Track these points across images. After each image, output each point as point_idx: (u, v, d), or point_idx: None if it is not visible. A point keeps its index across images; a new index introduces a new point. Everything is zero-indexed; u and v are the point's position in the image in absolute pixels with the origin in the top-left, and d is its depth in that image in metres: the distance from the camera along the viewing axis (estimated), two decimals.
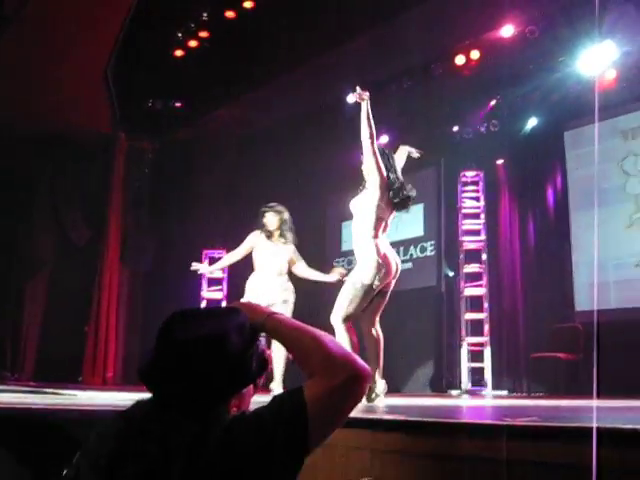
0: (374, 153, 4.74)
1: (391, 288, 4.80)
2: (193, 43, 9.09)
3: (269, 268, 6.39)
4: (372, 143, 4.76)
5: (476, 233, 9.93)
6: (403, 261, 10.59)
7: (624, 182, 8.68)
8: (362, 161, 4.96)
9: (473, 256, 9.88)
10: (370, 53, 8.99)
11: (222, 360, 1.62)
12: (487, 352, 9.38)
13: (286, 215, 6.59)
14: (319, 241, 11.78)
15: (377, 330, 4.84)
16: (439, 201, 10.46)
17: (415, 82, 9.56)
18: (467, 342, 9.49)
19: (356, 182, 11.34)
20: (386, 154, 4.95)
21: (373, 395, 4.65)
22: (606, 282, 8.34)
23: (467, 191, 10.10)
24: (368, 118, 4.78)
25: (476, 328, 9.53)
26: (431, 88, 9.28)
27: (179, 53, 9.25)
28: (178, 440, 1.54)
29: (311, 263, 11.38)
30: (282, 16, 8.19)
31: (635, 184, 8.62)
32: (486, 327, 9.49)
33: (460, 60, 8.99)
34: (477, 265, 9.80)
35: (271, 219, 6.49)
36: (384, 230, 4.82)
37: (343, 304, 4.57)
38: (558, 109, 9.14)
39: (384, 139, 10.71)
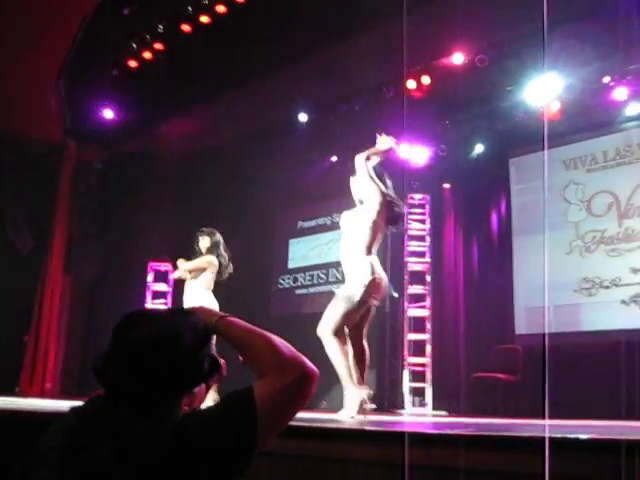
0: (371, 178, 4.90)
1: (376, 304, 4.85)
2: (147, 55, 9.06)
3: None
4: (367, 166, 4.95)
5: (421, 255, 10.07)
6: None
7: (565, 210, 8.96)
8: (353, 179, 5.13)
9: (417, 277, 10.02)
10: (322, 73, 9.09)
11: (175, 359, 1.66)
12: (428, 372, 9.50)
13: (217, 237, 6.95)
14: (265, 258, 11.82)
15: (364, 343, 4.93)
16: None
17: (366, 104, 9.70)
18: (409, 362, 9.59)
19: (301, 200, 11.45)
20: (382, 172, 5.10)
21: (367, 408, 4.80)
22: (556, 306, 8.58)
23: (413, 213, 10.25)
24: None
25: (418, 349, 9.65)
26: (382, 110, 9.41)
27: (133, 64, 9.21)
28: (129, 437, 1.57)
29: (257, 280, 11.47)
30: (236, 33, 8.23)
31: (575, 212, 8.90)
32: (428, 348, 9.61)
33: (411, 84, 9.16)
34: (421, 287, 9.94)
35: (202, 242, 7.00)
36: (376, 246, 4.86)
37: (335, 317, 4.64)
38: (504, 137, 9.40)
39: (333, 159, 10.86)
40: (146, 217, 11.42)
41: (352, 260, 4.77)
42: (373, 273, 4.65)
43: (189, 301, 6.84)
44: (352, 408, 4.74)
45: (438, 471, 2.56)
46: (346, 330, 4.81)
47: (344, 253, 4.87)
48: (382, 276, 4.76)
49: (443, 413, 9.07)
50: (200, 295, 6.85)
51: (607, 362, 7.81)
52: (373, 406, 4.92)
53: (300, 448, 3.05)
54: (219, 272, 7.01)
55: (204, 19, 8.35)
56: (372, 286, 4.64)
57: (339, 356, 4.69)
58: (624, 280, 8.37)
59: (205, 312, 1.83)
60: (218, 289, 11.06)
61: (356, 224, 4.83)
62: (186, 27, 8.56)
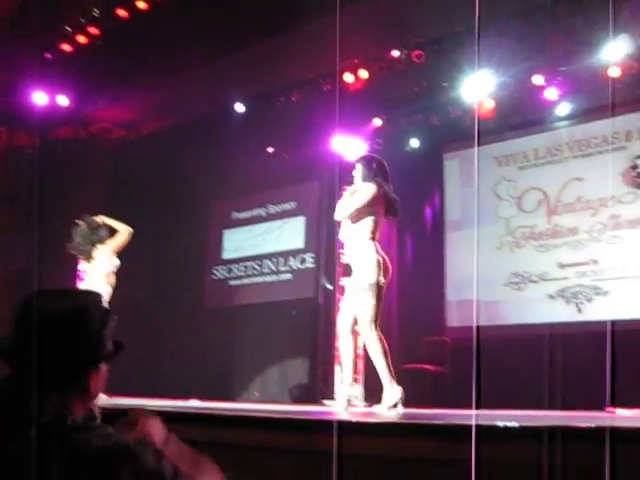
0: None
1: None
2: (82, 39, 8.85)
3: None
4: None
5: None
6: (282, 272, 10.71)
7: (496, 205, 9.14)
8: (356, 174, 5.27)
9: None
10: (260, 64, 9.04)
11: (81, 335, 1.70)
12: (360, 364, 9.57)
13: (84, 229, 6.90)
14: (199, 249, 11.74)
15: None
16: (320, 214, 10.62)
17: (304, 96, 9.70)
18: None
19: (237, 191, 11.37)
20: (383, 167, 5.33)
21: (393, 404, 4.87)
22: (486, 301, 8.76)
23: None
24: None
25: None
26: (319, 103, 9.42)
27: (67, 48, 8.99)
28: (22, 420, 1.58)
29: (190, 271, 11.39)
30: (175, 20, 8.12)
31: (506, 208, 9.10)
32: (360, 340, 9.68)
33: (349, 78, 9.18)
34: None
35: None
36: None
37: (369, 312, 4.86)
38: (439, 133, 9.53)
39: (270, 150, 10.83)
40: (79, 205, 11.19)
41: (357, 248, 5.03)
42: (378, 255, 4.93)
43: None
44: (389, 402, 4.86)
45: (369, 460, 2.59)
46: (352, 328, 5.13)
47: (349, 243, 5.15)
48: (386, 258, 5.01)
49: (365, 404, 9.18)
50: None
51: (533, 355, 8.01)
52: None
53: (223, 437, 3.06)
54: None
55: (141, 4, 8.19)
56: (379, 267, 4.91)
57: (383, 352, 4.92)
58: (551, 275, 8.60)
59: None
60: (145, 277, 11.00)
61: (359, 214, 5.06)
62: (122, 12, 8.39)
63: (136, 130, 11.30)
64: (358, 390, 5.12)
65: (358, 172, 5.28)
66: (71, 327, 1.68)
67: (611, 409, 5.19)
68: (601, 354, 7.62)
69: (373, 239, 5.02)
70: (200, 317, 11.20)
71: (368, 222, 5.07)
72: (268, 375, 10.52)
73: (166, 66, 8.88)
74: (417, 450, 2.38)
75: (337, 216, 5.28)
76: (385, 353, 4.95)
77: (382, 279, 4.92)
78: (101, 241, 6.90)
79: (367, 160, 5.35)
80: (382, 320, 9.72)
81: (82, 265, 7.03)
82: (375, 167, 5.27)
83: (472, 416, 2.40)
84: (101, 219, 7.01)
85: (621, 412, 5.30)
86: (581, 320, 8.27)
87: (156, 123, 10.92)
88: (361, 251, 4.99)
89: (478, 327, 8.61)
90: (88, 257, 6.89)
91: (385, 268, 4.97)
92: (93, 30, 8.77)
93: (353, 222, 5.14)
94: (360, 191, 5.16)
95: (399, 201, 5.33)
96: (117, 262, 6.95)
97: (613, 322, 6.87)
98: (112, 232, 7.03)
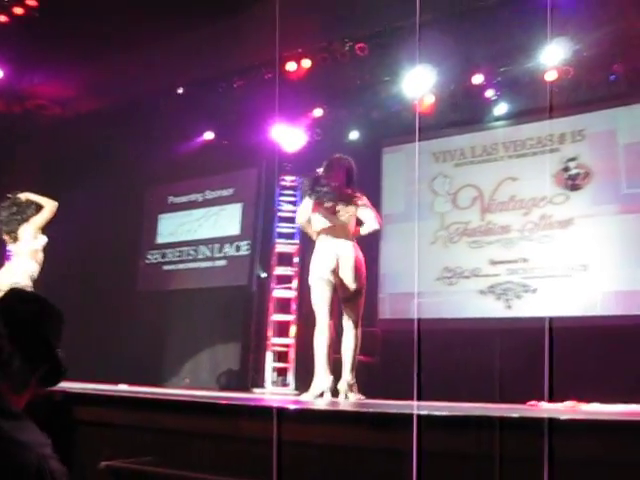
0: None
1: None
2: (19, 10, 8.61)
3: None
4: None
5: (290, 236, 10.18)
6: (217, 258, 10.66)
7: (432, 200, 9.28)
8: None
9: (285, 259, 10.12)
10: (203, 48, 8.96)
11: (46, 334, 1.79)
12: (292, 353, 9.64)
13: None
14: (134, 233, 11.58)
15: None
16: (258, 202, 10.60)
17: (246, 82, 9.64)
18: (273, 343, 9.70)
19: (174, 175, 11.24)
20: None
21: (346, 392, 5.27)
22: (410, 294, 8.85)
23: (285, 194, 10.33)
24: None
25: (283, 329, 9.77)
26: (261, 90, 9.39)
27: (2, 18, 8.72)
28: None
29: (124, 254, 11.23)
30: None
31: (442, 203, 9.24)
32: (293, 329, 9.75)
33: (291, 66, 9.17)
34: (289, 268, 10.05)
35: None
36: None
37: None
38: (379, 126, 9.61)
39: (209, 136, 10.75)
40: (9, 182, 10.90)
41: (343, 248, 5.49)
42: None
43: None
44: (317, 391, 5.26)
45: (304, 447, 2.61)
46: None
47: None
48: None
49: (294, 392, 9.24)
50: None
51: (464, 348, 8.18)
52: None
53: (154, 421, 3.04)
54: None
55: None
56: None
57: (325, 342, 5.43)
58: (483, 271, 8.77)
59: None
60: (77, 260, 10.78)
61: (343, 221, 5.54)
62: None
63: (73, 108, 11.04)
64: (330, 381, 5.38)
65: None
66: (43, 326, 1.77)
67: (533, 403, 5.32)
68: (529, 349, 7.84)
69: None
70: (132, 301, 11.06)
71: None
72: (199, 361, 10.46)
73: (107, 45, 8.72)
74: (355, 438, 2.41)
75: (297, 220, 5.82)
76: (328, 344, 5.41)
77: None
78: (26, 219, 6.69)
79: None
80: (311, 312, 9.85)
81: (9, 245, 6.82)
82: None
83: (408, 406, 2.44)
84: (25, 196, 6.79)
85: (544, 405, 5.45)
86: (510, 316, 8.46)
87: (94, 102, 10.69)
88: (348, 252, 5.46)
89: (408, 320, 8.74)
90: (14, 237, 6.69)
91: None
92: (30, 1, 8.53)
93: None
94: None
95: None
96: (44, 239, 6.76)
97: (542, 318, 7.04)
98: (38, 209, 6.82)
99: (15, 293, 1.84)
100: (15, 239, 6.64)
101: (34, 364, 1.75)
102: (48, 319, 1.80)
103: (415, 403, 2.58)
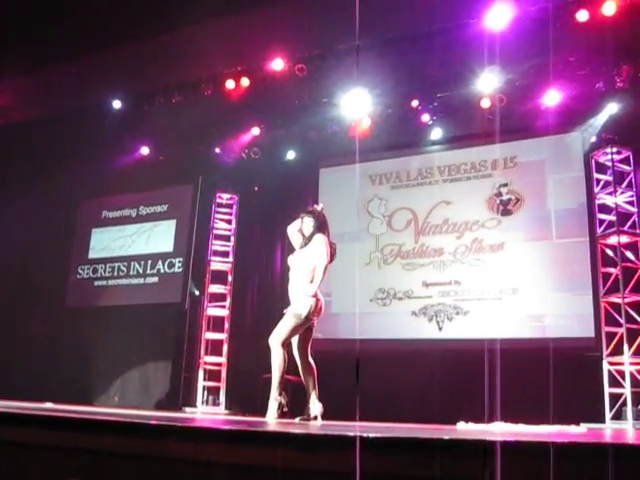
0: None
1: (315, 324, 5.65)
2: None
3: None
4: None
5: (225, 255, 10.13)
6: (149, 275, 10.52)
7: (368, 222, 9.37)
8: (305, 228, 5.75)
9: (220, 277, 10.06)
10: (142, 61, 8.89)
11: None
12: (224, 372, 9.57)
13: None
14: (65, 247, 11.34)
15: (310, 360, 5.63)
16: (192, 219, 10.51)
17: (185, 98, 9.59)
18: (205, 361, 9.61)
19: (108, 190, 11.05)
20: (326, 220, 5.81)
21: (312, 416, 5.38)
22: (340, 314, 8.91)
23: (221, 212, 10.29)
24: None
25: (216, 348, 9.68)
26: (199, 107, 9.36)
27: None
28: None
29: (54, 268, 10.98)
30: (57, 5, 7.85)
31: (377, 225, 9.34)
32: (225, 347, 9.68)
33: (230, 84, 9.17)
34: (222, 286, 9.99)
35: None
36: None
37: (283, 331, 5.45)
38: (316, 146, 9.68)
39: (145, 151, 10.65)
40: None
41: (298, 288, 5.58)
42: (315, 297, 5.51)
43: None
44: (272, 412, 5.38)
45: (237, 468, 2.59)
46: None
47: (293, 284, 5.66)
48: (321, 299, 5.60)
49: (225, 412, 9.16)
50: None
51: (396, 369, 8.24)
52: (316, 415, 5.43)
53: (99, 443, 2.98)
54: None
55: None
56: (316, 307, 5.49)
57: (280, 364, 5.44)
58: (416, 293, 8.87)
59: None
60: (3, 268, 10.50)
61: (303, 265, 5.63)
62: None
63: (4, 117, 10.78)
64: (319, 407, 5.45)
65: (306, 225, 5.74)
66: None
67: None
68: (460, 370, 7.95)
69: (312, 282, 5.56)
70: (61, 317, 10.81)
71: (309, 272, 5.61)
72: (129, 379, 10.28)
73: (42, 55, 8.58)
74: (297, 460, 2.40)
75: (289, 230, 5.92)
76: (283, 366, 5.50)
77: (311, 317, 5.50)
78: None
79: (313, 213, 5.78)
80: (248, 329, 9.80)
81: None
82: (320, 218, 5.77)
83: (346, 427, 2.44)
84: None
85: (461, 426, 5.53)
86: (442, 337, 8.57)
87: (28, 112, 10.46)
88: (303, 293, 5.52)
89: (341, 340, 8.78)
90: None
91: (320, 307, 5.53)
92: None
93: (296, 271, 5.69)
94: (315, 242, 5.66)
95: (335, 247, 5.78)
96: None
97: (473, 340, 7.14)
98: None
99: None
100: None
101: None
102: None
103: (357, 424, 2.58)
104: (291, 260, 5.83)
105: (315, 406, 5.45)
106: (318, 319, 5.64)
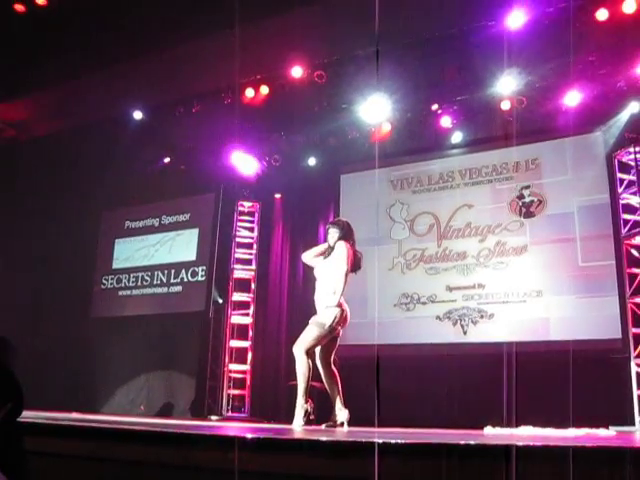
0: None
1: (341, 333, 5.71)
2: None
3: None
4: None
5: (248, 262, 10.16)
6: (173, 284, 10.57)
7: (390, 227, 9.34)
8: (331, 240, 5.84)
9: (243, 285, 10.09)
10: (162, 73, 8.94)
11: None
12: (248, 379, 9.58)
13: None
14: (89, 258, 11.43)
15: (333, 368, 5.68)
16: (214, 227, 10.55)
17: (205, 107, 9.64)
18: (229, 369, 9.63)
19: (131, 200, 11.13)
20: (351, 230, 5.91)
21: (339, 422, 5.42)
22: (371, 320, 8.89)
23: (243, 220, 10.33)
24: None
25: (240, 355, 9.71)
26: (219, 115, 9.40)
27: None
28: None
29: (79, 279, 11.06)
30: (76, 20, 7.91)
31: (399, 230, 9.31)
32: (249, 355, 9.70)
33: (250, 93, 9.21)
34: (246, 294, 10.02)
35: None
36: None
37: (307, 340, 5.52)
38: (336, 152, 9.68)
39: (166, 160, 10.71)
40: None
41: (325, 297, 5.63)
42: (340, 307, 5.55)
43: None
44: (298, 419, 5.40)
45: (262, 477, 2.59)
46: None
47: (320, 292, 5.72)
48: (347, 309, 5.64)
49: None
50: None
51: (421, 374, 8.22)
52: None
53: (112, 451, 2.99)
54: None
55: (40, 0, 7.94)
56: (341, 317, 5.52)
57: (305, 372, 5.48)
58: (440, 297, 8.83)
59: None
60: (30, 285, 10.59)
61: (329, 274, 5.69)
62: (20, 7, 8.10)
63: (27, 131, 10.91)
64: (346, 413, 5.51)
65: (331, 235, 5.83)
66: None
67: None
68: (485, 374, 7.90)
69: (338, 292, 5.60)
70: (86, 328, 10.88)
71: (337, 281, 5.65)
72: (155, 388, 10.32)
73: (63, 67, 8.65)
74: (315, 467, 2.39)
75: (304, 258, 6.11)
76: (307, 373, 5.52)
77: (337, 326, 5.54)
78: None
79: (338, 224, 5.90)
80: (272, 337, 9.80)
81: None
82: (345, 228, 5.84)
83: (370, 434, 2.44)
84: None
85: (488, 430, 5.49)
86: (466, 341, 8.53)
87: (49, 125, 10.58)
88: (329, 302, 5.57)
89: (366, 346, 8.75)
90: None
91: (345, 317, 5.58)
92: None
93: (322, 280, 5.76)
94: (337, 250, 5.73)
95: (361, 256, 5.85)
96: None
97: (498, 344, 7.10)
98: None
99: None
100: None
101: (3, 399, 1.73)
102: (4, 352, 1.78)
103: (376, 430, 2.57)
104: (316, 271, 5.90)
105: (342, 412, 5.48)
106: (343, 328, 5.67)
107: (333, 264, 5.70)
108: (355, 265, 5.81)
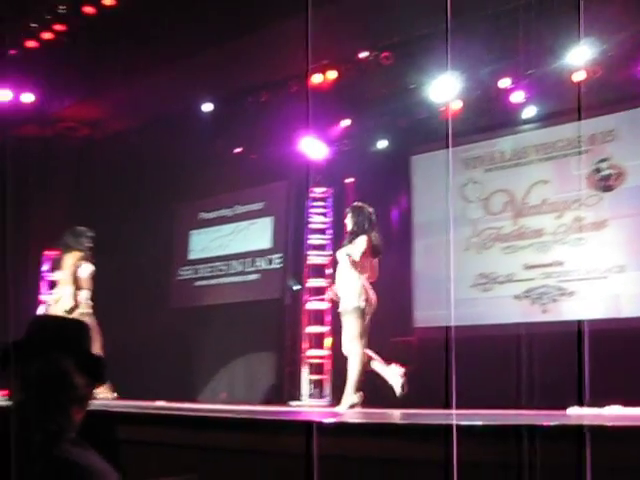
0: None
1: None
2: (48, 35, 8.72)
3: None
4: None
5: (322, 248, 10.18)
6: (249, 272, 10.69)
7: (464, 207, 9.21)
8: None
9: (318, 270, 10.12)
10: (228, 64, 9.01)
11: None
12: (327, 365, 9.61)
13: None
14: (167, 250, 11.65)
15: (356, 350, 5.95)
16: (288, 215, 10.62)
17: (272, 96, 9.68)
18: (308, 355, 9.68)
19: (203, 191, 11.31)
20: (372, 215, 6.34)
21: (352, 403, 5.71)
22: (445, 301, 8.79)
23: (315, 207, 10.34)
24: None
25: (318, 341, 9.75)
26: (287, 103, 9.41)
27: (32, 44, 8.84)
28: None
29: (156, 271, 11.29)
30: (142, 17, 8.04)
31: (473, 210, 9.17)
32: (327, 341, 9.72)
33: (317, 79, 9.19)
34: (321, 279, 10.04)
35: None
36: None
37: (350, 332, 5.82)
38: (407, 134, 9.58)
39: (237, 150, 10.80)
40: (38, 204, 11.04)
41: (347, 282, 6.02)
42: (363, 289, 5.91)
43: None
44: (343, 407, 5.70)
45: (340, 460, 2.59)
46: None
47: (341, 278, 6.12)
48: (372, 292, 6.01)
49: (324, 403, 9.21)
50: None
51: (501, 354, 8.10)
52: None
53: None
54: None
55: (108, 1, 8.09)
56: (366, 301, 5.92)
57: (356, 365, 5.78)
58: (518, 276, 8.68)
59: None
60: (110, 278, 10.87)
61: (346, 260, 6.09)
62: (89, 9, 8.27)
63: (101, 129, 11.17)
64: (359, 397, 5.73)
65: (349, 220, 6.21)
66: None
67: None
68: (566, 353, 7.74)
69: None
70: (166, 318, 11.11)
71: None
72: (235, 376, 10.47)
73: (132, 64, 8.80)
74: (396, 450, 2.38)
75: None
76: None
77: (363, 304, 5.87)
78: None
79: (356, 209, 6.28)
80: None
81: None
82: (364, 215, 6.21)
83: (447, 416, 2.41)
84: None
85: (572, 410, 5.36)
86: (546, 320, 8.37)
87: (122, 122, 10.80)
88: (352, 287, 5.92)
89: (452, 328, 8.66)
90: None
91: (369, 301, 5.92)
92: (58, 27, 8.65)
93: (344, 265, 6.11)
94: (357, 241, 6.13)
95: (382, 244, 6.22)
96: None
97: (579, 322, 6.95)
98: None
99: (48, 319, 1.88)
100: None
101: (91, 380, 1.76)
102: (86, 334, 1.81)
103: (454, 412, 2.54)
104: (338, 257, 6.27)
105: (350, 397, 5.72)
106: (372, 310, 5.94)
107: (351, 252, 6.08)
108: (373, 252, 6.16)
